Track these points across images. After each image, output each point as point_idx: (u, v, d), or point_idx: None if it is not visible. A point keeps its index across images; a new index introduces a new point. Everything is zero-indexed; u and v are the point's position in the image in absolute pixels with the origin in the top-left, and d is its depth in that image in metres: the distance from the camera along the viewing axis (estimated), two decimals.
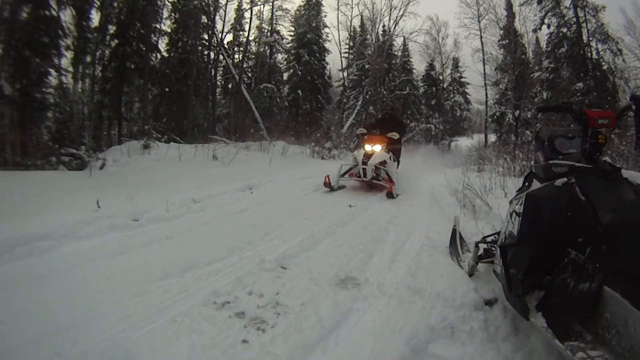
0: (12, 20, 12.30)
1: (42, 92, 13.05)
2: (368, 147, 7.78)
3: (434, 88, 25.87)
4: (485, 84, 24.16)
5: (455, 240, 3.85)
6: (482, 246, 3.20)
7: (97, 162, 8.90)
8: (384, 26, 25.02)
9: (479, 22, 23.89)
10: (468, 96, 26.59)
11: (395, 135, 8.09)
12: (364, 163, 7.53)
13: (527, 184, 2.66)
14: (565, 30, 18.62)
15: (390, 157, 8.02)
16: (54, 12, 13.21)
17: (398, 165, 8.51)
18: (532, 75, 20.60)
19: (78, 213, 4.52)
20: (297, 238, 4.36)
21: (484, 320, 2.45)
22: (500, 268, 2.26)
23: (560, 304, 1.78)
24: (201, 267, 3.47)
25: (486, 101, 24.23)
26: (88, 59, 15.43)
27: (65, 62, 14.37)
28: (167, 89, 17.97)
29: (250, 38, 23.08)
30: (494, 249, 3.00)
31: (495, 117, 22.90)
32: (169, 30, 19.29)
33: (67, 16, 13.91)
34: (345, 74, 25.88)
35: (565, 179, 2.03)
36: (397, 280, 3.13)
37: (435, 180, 9.19)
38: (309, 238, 4.38)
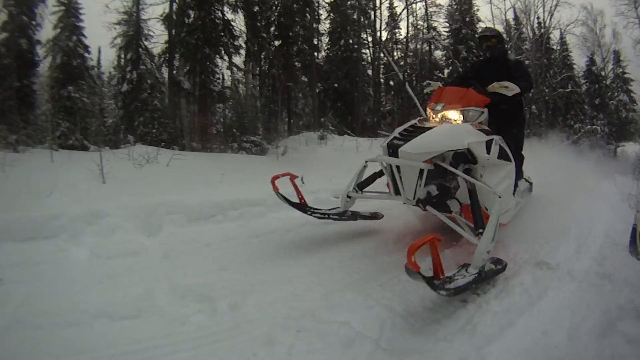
0: (182, 23, 14.68)
1: (217, 86, 15.34)
2: (435, 109, 3.60)
3: (596, 85, 23.26)
4: None
5: (635, 238, 3.73)
6: None
7: (279, 149, 9.87)
8: (538, 18, 23.38)
9: (636, 8, 20.88)
10: (633, 94, 23.16)
11: (510, 89, 3.60)
12: (392, 150, 3.27)
13: None
14: None
15: (491, 145, 3.36)
16: (221, 14, 15.50)
17: (520, 172, 4.39)
18: None
19: (282, 187, 5.04)
20: None
21: None
22: None
23: None
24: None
25: None
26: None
27: (238, 60, 16.77)
28: (335, 85, 19.36)
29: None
30: None
31: None
32: (328, 29, 20.69)
33: (239, 19, 16.24)
34: None
35: None
36: (585, 267, 3.35)
37: (605, 187, 8.28)
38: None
